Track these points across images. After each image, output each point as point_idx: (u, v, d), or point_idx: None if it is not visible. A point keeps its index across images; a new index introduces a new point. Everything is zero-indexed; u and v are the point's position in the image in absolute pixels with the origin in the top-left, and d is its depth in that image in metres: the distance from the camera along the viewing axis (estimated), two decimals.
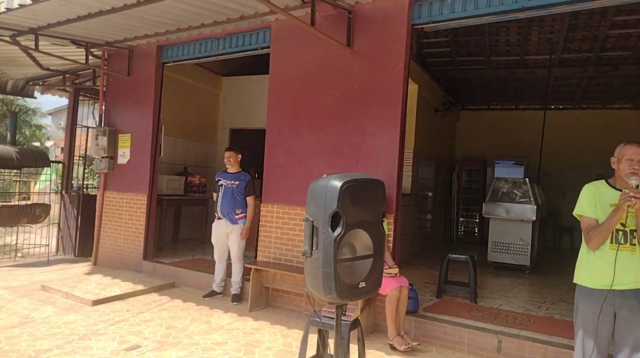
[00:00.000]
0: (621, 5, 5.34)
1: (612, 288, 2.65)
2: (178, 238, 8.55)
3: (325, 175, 2.57)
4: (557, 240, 10.52)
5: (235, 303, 5.30)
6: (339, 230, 2.37)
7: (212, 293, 5.54)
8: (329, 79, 5.02)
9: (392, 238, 4.56)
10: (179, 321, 4.66)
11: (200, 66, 8.60)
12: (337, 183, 2.38)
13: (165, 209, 7.67)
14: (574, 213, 2.90)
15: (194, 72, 8.67)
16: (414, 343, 4.07)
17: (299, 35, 5.15)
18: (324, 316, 2.99)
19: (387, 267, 4.00)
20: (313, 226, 2.42)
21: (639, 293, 2.67)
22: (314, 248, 2.43)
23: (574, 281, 2.91)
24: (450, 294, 5.35)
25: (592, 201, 2.80)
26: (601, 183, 2.86)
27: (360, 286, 2.52)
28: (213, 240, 5.55)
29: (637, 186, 2.55)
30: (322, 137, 5.04)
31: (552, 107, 11.04)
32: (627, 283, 2.67)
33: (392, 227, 4.57)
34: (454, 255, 5.38)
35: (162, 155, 7.14)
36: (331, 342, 2.73)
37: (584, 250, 2.87)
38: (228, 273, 5.56)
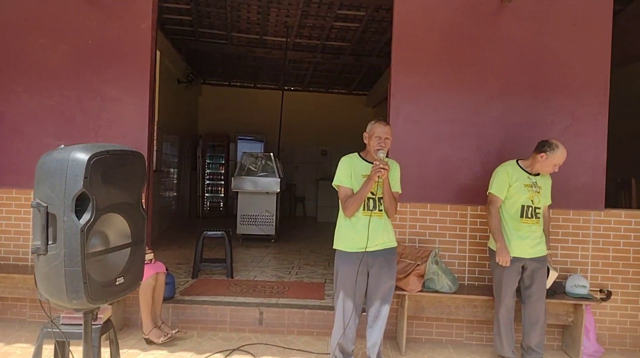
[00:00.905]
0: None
1: (366, 250, 2.91)
2: None
3: (62, 146, 1.96)
4: (293, 209, 11.57)
5: None
6: (87, 216, 1.83)
7: None
8: (57, 30, 4.03)
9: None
10: None
11: None
12: (83, 156, 1.83)
13: None
14: (333, 183, 3.06)
15: None
16: (173, 332, 3.72)
17: None
18: (62, 324, 2.39)
19: None
20: (47, 213, 1.82)
21: (386, 252, 3.02)
22: (49, 243, 1.83)
23: (334, 247, 3.09)
24: (206, 272, 5.17)
25: (348, 173, 3.00)
26: (355, 155, 3.10)
27: (117, 283, 2.04)
28: None
29: (383, 159, 2.85)
30: (46, 101, 4.04)
31: (286, 88, 11.91)
32: (377, 245, 2.97)
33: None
34: (210, 232, 5.18)
35: None
36: (76, 353, 2.18)
37: (341, 218, 3.07)
38: None
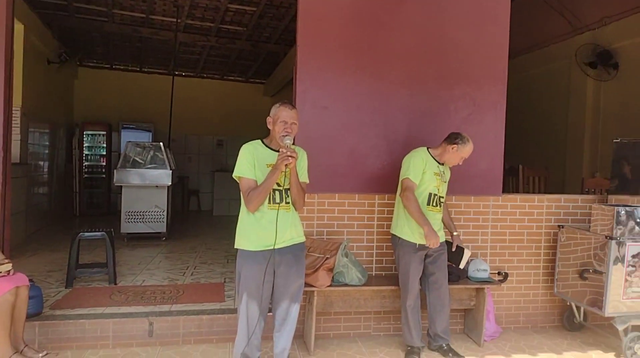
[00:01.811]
0: None
1: (275, 247, 2.60)
2: None
3: None
4: (186, 204, 10.83)
5: None
6: None
7: None
8: None
9: None
10: None
11: None
12: None
13: None
14: (234, 175, 2.69)
15: None
16: (40, 355, 3.09)
17: None
18: None
19: None
20: None
21: (294, 248, 2.72)
22: None
23: (236, 246, 2.72)
24: (84, 280, 4.47)
25: (251, 162, 2.65)
26: (258, 143, 2.75)
27: None
28: None
29: (290, 146, 2.54)
30: None
31: (177, 73, 11.08)
32: (285, 241, 2.67)
33: None
34: (87, 233, 4.48)
35: None
36: None
37: (243, 213, 2.71)
38: None
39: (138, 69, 11.15)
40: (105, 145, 9.97)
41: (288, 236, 2.68)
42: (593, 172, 7.00)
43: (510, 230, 4.08)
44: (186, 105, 10.78)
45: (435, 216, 3.40)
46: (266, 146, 2.73)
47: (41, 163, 7.79)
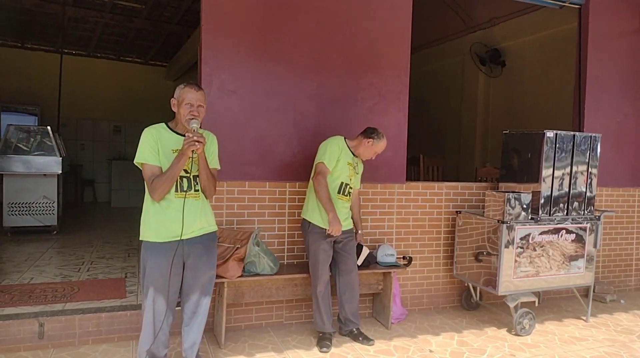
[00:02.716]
0: None
1: (182, 238, 2.46)
2: None
3: None
4: (80, 194, 9.99)
5: None
6: None
7: None
8: None
9: None
10: None
11: None
12: None
13: None
14: (135, 161, 2.50)
15: None
16: None
17: None
18: None
19: None
20: None
21: (205, 238, 2.61)
22: None
23: (140, 238, 2.54)
24: None
25: (154, 148, 2.48)
26: (162, 126, 2.58)
27: None
28: None
29: (196, 130, 2.42)
30: None
31: (66, 51, 10.10)
32: (194, 231, 2.54)
33: None
34: None
35: None
36: None
37: (148, 202, 2.54)
38: None
39: (20, 44, 9.98)
40: None
41: (198, 225, 2.55)
42: (484, 162, 7.61)
43: (413, 216, 4.29)
44: (78, 87, 9.91)
45: (343, 205, 3.48)
46: (171, 129, 2.56)
47: None
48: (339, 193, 3.43)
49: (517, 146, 4.33)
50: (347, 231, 3.50)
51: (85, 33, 9.75)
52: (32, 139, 6.25)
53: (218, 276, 3.19)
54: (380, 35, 4.07)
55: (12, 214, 5.94)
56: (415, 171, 6.18)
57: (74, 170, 9.37)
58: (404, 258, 4.12)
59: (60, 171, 6.15)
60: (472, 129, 7.96)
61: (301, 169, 3.78)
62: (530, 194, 3.93)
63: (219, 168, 2.73)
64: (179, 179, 2.49)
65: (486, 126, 7.87)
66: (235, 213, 3.67)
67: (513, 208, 3.82)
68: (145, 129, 2.53)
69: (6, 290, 3.70)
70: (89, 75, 10.33)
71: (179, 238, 2.45)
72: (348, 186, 3.47)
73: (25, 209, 5.99)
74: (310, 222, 3.41)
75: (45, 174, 6.08)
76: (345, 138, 3.51)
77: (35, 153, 6.13)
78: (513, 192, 3.95)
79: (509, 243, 3.81)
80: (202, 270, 2.61)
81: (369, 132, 3.46)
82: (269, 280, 3.54)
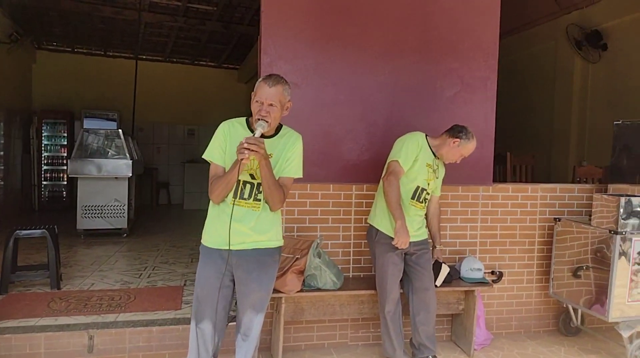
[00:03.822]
0: None
1: (230, 248, 2.12)
2: None
3: None
4: (155, 197, 10.23)
5: None
6: None
7: None
8: None
9: None
10: None
11: None
12: None
13: None
14: (203, 156, 2.23)
15: None
16: None
17: None
18: None
19: None
20: None
21: (260, 253, 2.22)
22: None
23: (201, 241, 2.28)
24: (23, 284, 3.92)
25: (222, 146, 2.19)
26: (239, 121, 2.27)
27: None
28: None
29: (258, 135, 2.04)
30: None
31: (144, 57, 10.42)
32: (245, 243, 2.18)
33: None
34: (24, 231, 3.92)
35: None
36: None
37: (210, 203, 2.25)
38: None
39: (102, 52, 10.43)
40: (66, 134, 9.30)
41: (251, 238, 2.19)
42: (580, 160, 6.68)
43: (501, 223, 3.68)
44: (154, 92, 10.16)
45: (417, 213, 2.97)
46: (249, 125, 2.24)
47: None
48: (412, 198, 2.93)
49: (630, 141, 3.58)
50: (420, 243, 3.00)
51: (161, 38, 9.96)
52: (105, 143, 6.35)
53: (275, 291, 2.83)
54: (463, 11, 3.51)
55: (85, 217, 6.04)
56: (501, 171, 5.48)
57: (149, 173, 9.60)
58: (492, 273, 3.53)
59: (131, 174, 6.18)
60: (566, 123, 7.02)
61: (370, 169, 3.33)
62: None
63: (297, 176, 2.30)
64: (241, 185, 2.17)
65: (583, 119, 6.90)
66: (295, 219, 3.30)
67: (629, 215, 3.10)
68: (221, 124, 2.26)
69: (65, 297, 3.61)
70: (165, 80, 10.58)
71: (227, 247, 2.12)
72: (425, 192, 2.96)
73: (97, 212, 6.08)
74: (378, 229, 2.95)
75: (116, 178, 6.14)
76: (426, 135, 3.00)
77: (109, 157, 6.22)
78: (628, 195, 3.23)
79: (623, 257, 3.10)
80: (251, 287, 2.24)
81: (456, 131, 2.92)
82: (331, 296, 3.13)
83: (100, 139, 6.33)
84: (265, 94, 2.13)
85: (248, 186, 2.18)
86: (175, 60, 10.98)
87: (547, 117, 7.37)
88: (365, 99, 3.37)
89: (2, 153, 7.50)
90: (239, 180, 2.16)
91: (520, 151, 6.36)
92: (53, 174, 9.14)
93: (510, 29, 7.53)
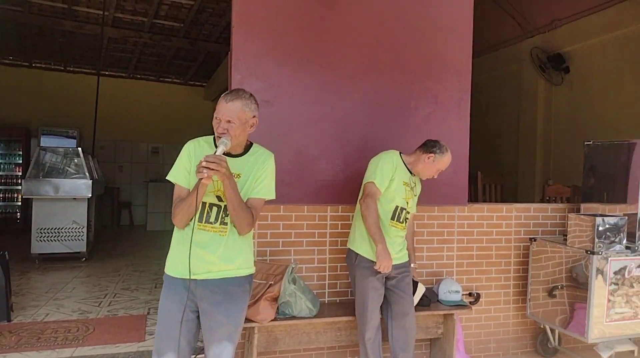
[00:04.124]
0: None
1: (191, 277, 1.94)
2: None
3: None
4: (116, 217, 9.82)
5: None
6: None
7: None
8: None
9: None
10: None
11: None
12: None
13: None
14: (167, 177, 2.05)
15: None
16: None
17: None
18: None
19: None
20: None
21: (227, 282, 2.03)
22: None
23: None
24: None
25: (186, 166, 2.01)
26: (206, 140, 2.09)
27: None
28: None
29: (219, 153, 1.87)
30: None
31: (107, 73, 10.10)
32: (210, 272, 2.00)
33: None
34: None
35: None
36: None
37: (174, 228, 2.07)
38: None
39: (62, 67, 10.06)
40: (21, 153, 8.85)
41: (218, 267, 2.02)
42: (546, 178, 6.81)
43: (477, 244, 3.63)
44: (117, 108, 9.84)
45: (397, 234, 2.87)
46: (215, 144, 2.06)
47: None
48: (392, 219, 2.83)
49: (600, 160, 3.62)
50: (401, 265, 2.88)
51: (125, 54, 9.69)
52: (64, 162, 6.03)
53: (247, 320, 2.66)
54: (436, 32, 3.50)
55: (41, 241, 5.68)
56: (472, 191, 5.49)
57: (110, 193, 9.22)
58: (470, 294, 3.46)
59: (91, 195, 5.87)
60: (532, 143, 7.18)
61: (345, 189, 3.23)
62: (626, 218, 3.21)
63: (269, 197, 2.12)
64: (207, 208, 1.99)
65: (547, 139, 7.07)
66: (268, 243, 3.14)
67: (604, 235, 3.11)
68: (187, 143, 2.09)
69: (15, 330, 3.31)
70: (128, 97, 10.28)
71: (188, 277, 1.94)
72: (404, 211, 2.87)
73: (53, 235, 5.72)
74: (357, 254, 2.83)
75: (75, 198, 5.81)
76: (400, 153, 2.92)
77: (67, 176, 5.89)
78: (603, 215, 3.25)
79: (600, 278, 3.09)
80: (218, 320, 2.04)
81: (430, 146, 2.85)
82: (307, 324, 2.97)
83: (58, 158, 6.00)
84: (222, 110, 1.98)
85: (215, 208, 2.01)
86: (139, 76, 10.70)
87: (513, 138, 7.52)
88: (340, 118, 3.29)
89: None
90: (205, 202, 2.00)
91: (489, 170, 6.43)
92: (6, 195, 8.65)
93: (477, 51, 7.65)
